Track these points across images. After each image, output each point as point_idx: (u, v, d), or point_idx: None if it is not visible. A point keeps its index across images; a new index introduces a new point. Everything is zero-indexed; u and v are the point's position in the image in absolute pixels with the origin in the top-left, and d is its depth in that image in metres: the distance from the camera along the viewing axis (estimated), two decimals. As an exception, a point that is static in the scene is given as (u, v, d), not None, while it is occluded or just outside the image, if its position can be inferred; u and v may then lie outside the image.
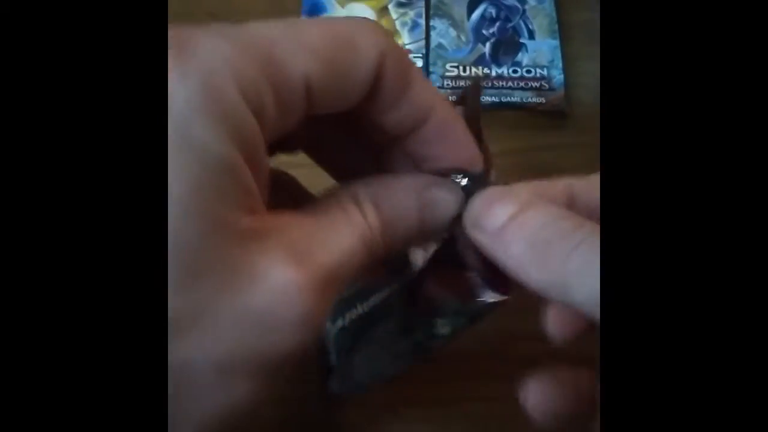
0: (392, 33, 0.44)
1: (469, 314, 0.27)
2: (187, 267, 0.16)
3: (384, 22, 0.44)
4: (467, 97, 0.23)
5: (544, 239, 0.19)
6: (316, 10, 0.45)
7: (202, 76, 0.17)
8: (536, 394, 0.21)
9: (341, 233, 0.19)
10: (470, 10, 0.45)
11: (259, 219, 0.17)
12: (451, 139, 0.21)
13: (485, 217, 0.20)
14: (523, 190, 0.21)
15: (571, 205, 0.21)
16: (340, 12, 0.45)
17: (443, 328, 0.26)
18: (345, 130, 0.22)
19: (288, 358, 0.17)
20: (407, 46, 0.43)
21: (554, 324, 0.22)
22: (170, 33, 0.17)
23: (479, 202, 0.21)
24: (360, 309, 0.29)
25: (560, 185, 0.22)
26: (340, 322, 0.29)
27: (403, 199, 0.21)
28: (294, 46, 0.18)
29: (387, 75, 0.19)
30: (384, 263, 0.24)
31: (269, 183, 0.18)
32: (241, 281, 0.16)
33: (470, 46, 0.43)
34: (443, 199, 0.21)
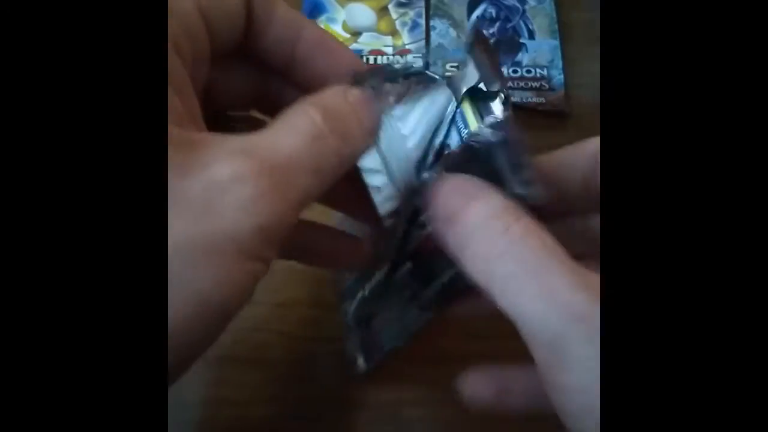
0: (393, 32, 0.44)
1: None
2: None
3: (384, 22, 0.45)
4: (480, 45, 0.23)
5: (478, 238, 0.19)
6: (316, 10, 0.45)
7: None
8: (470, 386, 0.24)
9: (286, 133, 0.19)
10: (470, 10, 0.45)
11: (193, 133, 0.18)
12: (330, 48, 0.24)
13: (440, 205, 0.21)
14: (537, 162, 0.22)
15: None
16: (340, 12, 0.45)
17: (441, 280, 0.26)
18: (256, 74, 0.25)
19: (243, 241, 0.17)
20: (407, 46, 0.43)
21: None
22: None
23: (438, 189, 0.21)
24: (365, 290, 0.29)
25: (591, 145, 0.23)
26: (350, 304, 0.31)
27: (338, 99, 0.21)
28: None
29: (255, 3, 0.22)
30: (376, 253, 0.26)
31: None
32: (182, 171, 0.17)
33: (470, 46, 0.43)
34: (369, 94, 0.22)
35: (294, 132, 0.19)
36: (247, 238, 0.17)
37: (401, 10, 0.45)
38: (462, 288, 0.23)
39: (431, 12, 0.44)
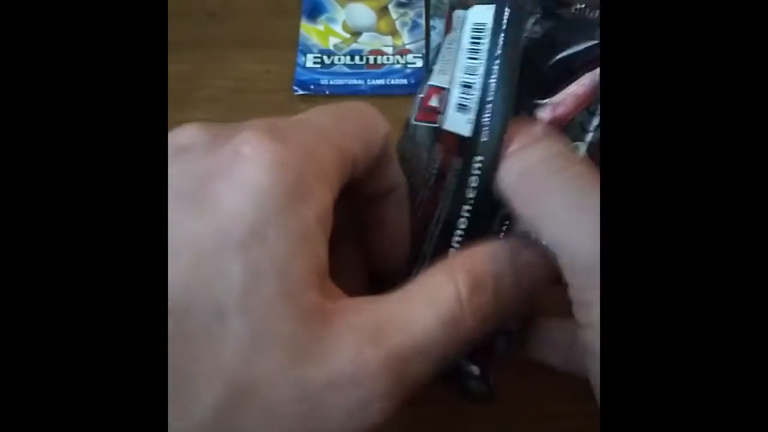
0: (393, 32, 0.44)
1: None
2: (251, 338, 0.16)
3: (384, 22, 0.45)
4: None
5: (533, 174, 0.20)
6: (316, 10, 0.45)
7: (296, 158, 0.18)
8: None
9: (422, 305, 0.18)
10: (470, 10, 0.45)
11: (329, 295, 0.17)
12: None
13: (507, 143, 0.21)
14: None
15: None
16: (340, 12, 0.45)
17: None
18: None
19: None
20: (407, 46, 0.43)
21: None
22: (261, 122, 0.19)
23: (511, 129, 0.21)
24: None
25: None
26: None
27: (495, 263, 0.19)
28: (347, 136, 0.20)
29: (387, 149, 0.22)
30: None
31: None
32: (304, 359, 0.16)
33: (470, 46, 0.43)
34: (539, 259, 0.20)
35: (431, 306, 0.18)
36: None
37: (401, 10, 0.45)
38: None
39: (431, 12, 0.44)
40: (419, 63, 0.42)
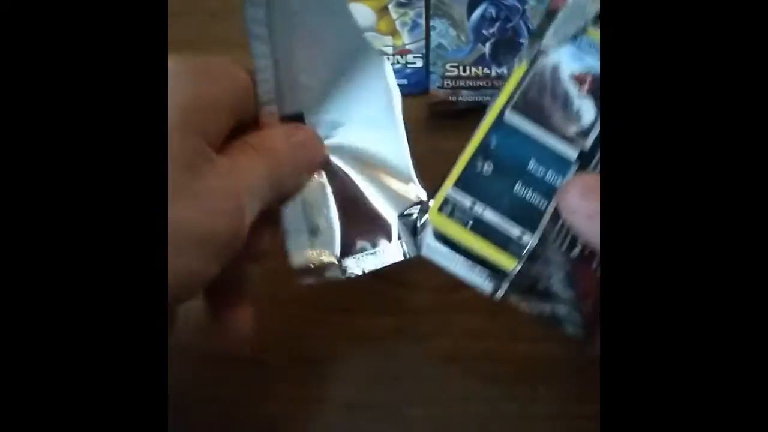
0: (393, 32, 0.44)
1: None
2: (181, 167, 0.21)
3: (384, 22, 0.44)
4: None
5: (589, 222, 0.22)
6: (316, 10, 0.45)
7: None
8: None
9: (256, 166, 0.25)
10: (470, 10, 0.44)
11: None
12: None
13: (579, 202, 0.24)
14: None
15: None
16: (340, 12, 0.45)
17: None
18: None
19: (226, 239, 0.23)
20: (407, 46, 0.43)
21: None
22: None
23: (574, 188, 0.24)
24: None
25: None
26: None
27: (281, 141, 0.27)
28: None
29: None
30: None
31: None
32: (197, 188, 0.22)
33: (470, 46, 0.43)
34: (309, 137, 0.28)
35: (260, 165, 0.25)
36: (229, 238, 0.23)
37: (401, 10, 0.45)
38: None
39: (431, 12, 0.44)
40: (419, 63, 0.42)
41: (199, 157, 0.23)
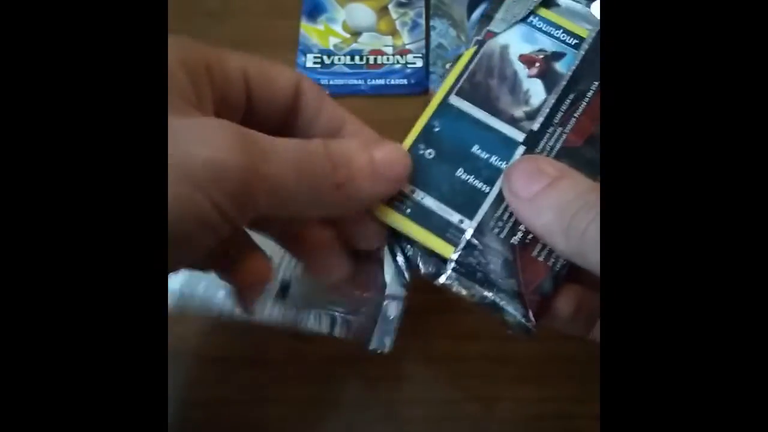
0: (393, 32, 0.44)
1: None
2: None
3: (384, 22, 0.44)
4: None
5: (570, 210, 0.21)
6: (316, 10, 0.45)
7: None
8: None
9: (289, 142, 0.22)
10: (470, 10, 0.44)
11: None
12: (369, 139, 0.25)
13: (521, 185, 0.23)
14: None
15: None
16: (340, 12, 0.45)
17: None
18: None
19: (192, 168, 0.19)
20: (407, 46, 0.43)
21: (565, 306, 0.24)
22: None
23: (517, 170, 0.24)
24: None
25: None
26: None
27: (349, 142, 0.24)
28: (235, 54, 0.24)
29: (305, 90, 0.25)
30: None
31: None
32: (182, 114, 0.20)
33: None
34: (393, 146, 0.25)
35: (291, 142, 0.21)
36: (197, 168, 0.18)
37: (401, 10, 0.45)
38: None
39: (431, 12, 0.44)
40: (419, 63, 0.42)
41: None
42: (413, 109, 0.41)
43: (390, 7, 0.45)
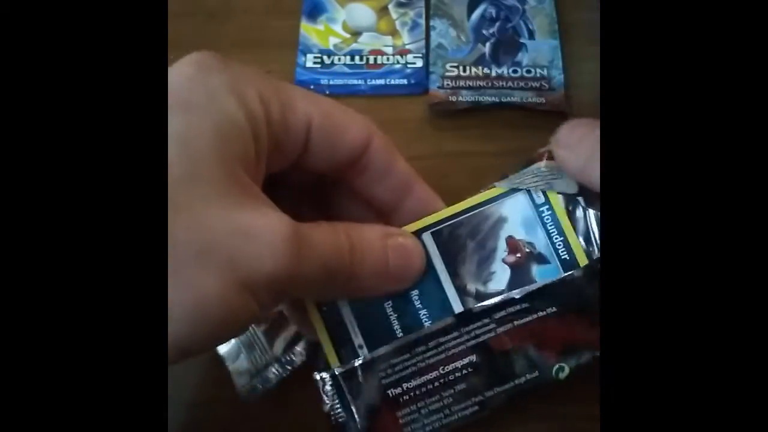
0: (393, 32, 0.44)
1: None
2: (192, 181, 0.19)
3: (384, 22, 0.44)
4: None
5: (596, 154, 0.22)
6: (316, 10, 0.45)
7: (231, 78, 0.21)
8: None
9: (319, 230, 0.22)
10: (470, 10, 0.44)
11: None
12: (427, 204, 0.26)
13: (564, 136, 0.25)
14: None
15: None
16: (340, 12, 0.45)
17: (516, 381, 0.27)
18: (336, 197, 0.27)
19: (254, 277, 0.19)
20: (407, 46, 0.43)
21: None
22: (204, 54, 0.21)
23: (563, 128, 0.25)
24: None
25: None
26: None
27: (371, 233, 0.23)
28: (303, 95, 0.23)
29: (374, 148, 0.24)
30: None
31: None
32: (230, 204, 0.19)
33: (470, 46, 0.43)
34: (412, 247, 0.24)
35: (324, 236, 0.22)
36: (256, 277, 0.19)
37: (401, 10, 0.45)
38: (532, 390, 0.25)
39: (431, 12, 0.44)
40: (419, 63, 0.42)
41: (239, 186, 0.19)
42: (413, 109, 0.41)
43: (390, 7, 0.45)
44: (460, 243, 0.26)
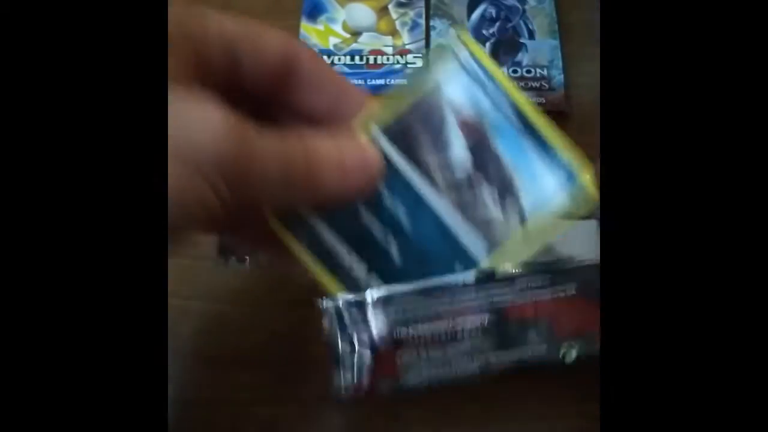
0: (393, 32, 0.44)
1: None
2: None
3: (384, 22, 0.44)
4: None
5: None
6: (316, 10, 0.45)
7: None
8: None
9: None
10: (470, 10, 0.44)
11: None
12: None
13: None
14: None
15: None
16: (340, 12, 0.45)
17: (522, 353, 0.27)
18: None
19: (201, 159, 0.20)
20: (407, 46, 0.43)
21: None
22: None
23: None
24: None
25: None
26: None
27: (321, 136, 0.24)
28: (215, 19, 0.24)
29: (302, 60, 0.25)
30: None
31: None
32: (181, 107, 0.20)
33: (470, 46, 0.43)
34: (363, 142, 0.25)
35: (276, 139, 0.22)
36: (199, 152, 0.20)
37: (401, 10, 0.45)
38: (536, 366, 0.25)
39: (431, 12, 0.44)
40: (419, 63, 0.42)
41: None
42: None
43: (390, 7, 0.45)
44: (413, 134, 0.25)
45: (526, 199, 0.25)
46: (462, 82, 0.25)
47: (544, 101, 0.40)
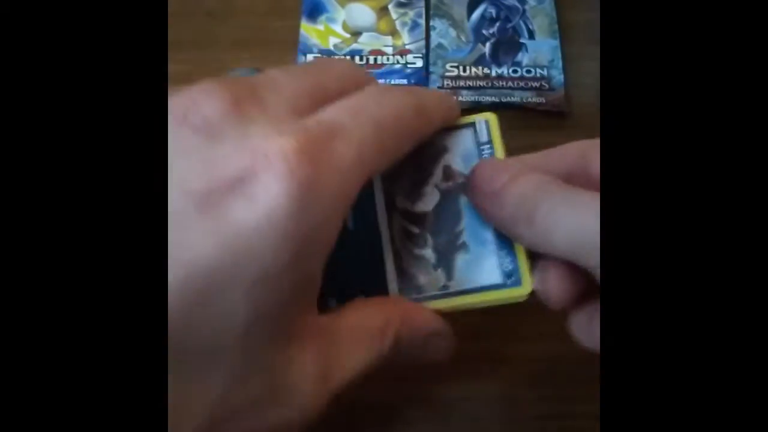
0: (393, 32, 0.44)
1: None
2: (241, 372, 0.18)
3: (384, 22, 0.45)
4: None
5: (532, 199, 0.22)
6: (316, 10, 0.45)
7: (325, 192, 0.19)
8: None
9: (361, 356, 0.22)
10: (470, 10, 0.44)
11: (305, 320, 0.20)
12: None
13: (484, 182, 0.23)
14: (524, 160, 0.24)
15: (584, 166, 0.24)
16: (340, 12, 0.45)
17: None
18: None
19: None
20: (407, 46, 0.43)
21: (552, 287, 0.23)
22: None
23: (479, 170, 0.24)
24: None
25: (573, 149, 0.24)
26: None
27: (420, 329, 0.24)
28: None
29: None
30: None
31: None
32: (274, 399, 0.19)
33: (470, 46, 0.43)
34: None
35: (367, 356, 0.22)
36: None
37: (401, 10, 0.45)
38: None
39: (431, 12, 0.44)
40: (419, 63, 0.42)
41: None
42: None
43: (390, 7, 0.45)
44: (399, 163, 0.25)
45: (460, 272, 0.25)
46: (467, 146, 0.26)
47: (544, 101, 0.40)
